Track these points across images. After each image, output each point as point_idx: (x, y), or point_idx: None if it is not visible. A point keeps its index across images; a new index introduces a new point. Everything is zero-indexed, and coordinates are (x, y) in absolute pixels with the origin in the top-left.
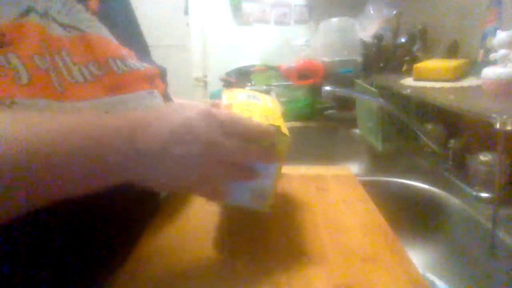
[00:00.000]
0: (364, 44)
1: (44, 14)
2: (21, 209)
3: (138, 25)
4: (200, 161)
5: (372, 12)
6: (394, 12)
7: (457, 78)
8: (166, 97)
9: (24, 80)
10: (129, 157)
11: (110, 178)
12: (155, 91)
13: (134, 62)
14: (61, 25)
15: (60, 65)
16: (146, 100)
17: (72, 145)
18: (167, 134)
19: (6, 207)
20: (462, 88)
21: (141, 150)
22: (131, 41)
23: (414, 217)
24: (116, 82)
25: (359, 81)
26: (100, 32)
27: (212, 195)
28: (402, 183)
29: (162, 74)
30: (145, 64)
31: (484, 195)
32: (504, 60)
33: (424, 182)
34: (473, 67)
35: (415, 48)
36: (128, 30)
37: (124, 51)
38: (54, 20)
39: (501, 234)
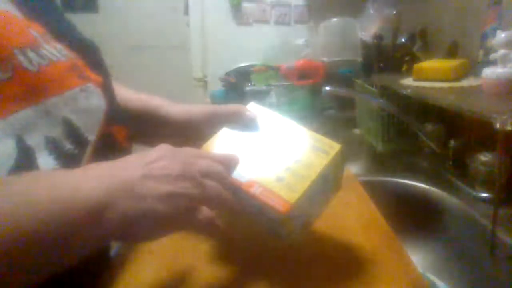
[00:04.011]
0: (364, 44)
1: None
2: None
3: None
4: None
5: (372, 12)
6: (394, 12)
7: (457, 78)
8: (107, 90)
9: None
10: (100, 239)
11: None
12: (90, 85)
13: (50, 49)
14: None
15: None
16: (80, 101)
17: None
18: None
19: None
20: (462, 88)
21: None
22: (44, 14)
23: (414, 217)
24: (32, 84)
25: (359, 81)
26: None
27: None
28: (402, 183)
29: (91, 62)
30: (65, 53)
31: (484, 195)
32: (504, 60)
33: (424, 182)
34: (473, 67)
35: (415, 48)
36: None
37: (34, 31)
38: None
39: (501, 234)
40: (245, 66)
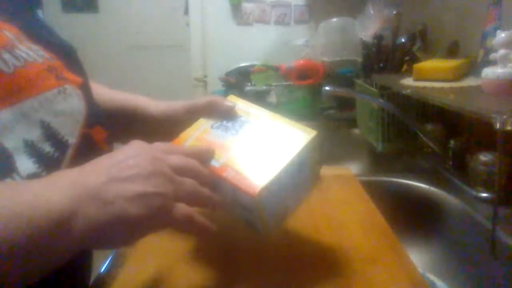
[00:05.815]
0: (364, 44)
1: None
2: None
3: None
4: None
5: (372, 12)
6: (394, 12)
7: (457, 78)
8: (86, 92)
9: None
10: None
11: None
12: (68, 86)
13: (25, 49)
14: None
15: None
16: (58, 103)
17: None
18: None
19: None
20: (462, 88)
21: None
22: (18, 15)
23: (414, 217)
24: (7, 86)
25: (359, 81)
26: None
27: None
28: (402, 183)
29: (69, 63)
30: (42, 53)
31: (484, 195)
32: (504, 60)
33: (424, 182)
34: (473, 67)
35: (415, 48)
36: None
37: (8, 32)
38: None
39: (501, 234)
40: (245, 66)
